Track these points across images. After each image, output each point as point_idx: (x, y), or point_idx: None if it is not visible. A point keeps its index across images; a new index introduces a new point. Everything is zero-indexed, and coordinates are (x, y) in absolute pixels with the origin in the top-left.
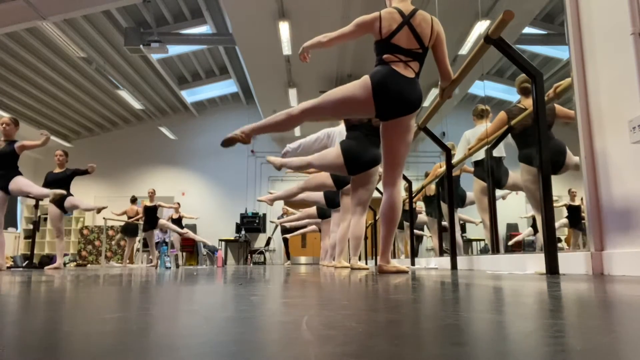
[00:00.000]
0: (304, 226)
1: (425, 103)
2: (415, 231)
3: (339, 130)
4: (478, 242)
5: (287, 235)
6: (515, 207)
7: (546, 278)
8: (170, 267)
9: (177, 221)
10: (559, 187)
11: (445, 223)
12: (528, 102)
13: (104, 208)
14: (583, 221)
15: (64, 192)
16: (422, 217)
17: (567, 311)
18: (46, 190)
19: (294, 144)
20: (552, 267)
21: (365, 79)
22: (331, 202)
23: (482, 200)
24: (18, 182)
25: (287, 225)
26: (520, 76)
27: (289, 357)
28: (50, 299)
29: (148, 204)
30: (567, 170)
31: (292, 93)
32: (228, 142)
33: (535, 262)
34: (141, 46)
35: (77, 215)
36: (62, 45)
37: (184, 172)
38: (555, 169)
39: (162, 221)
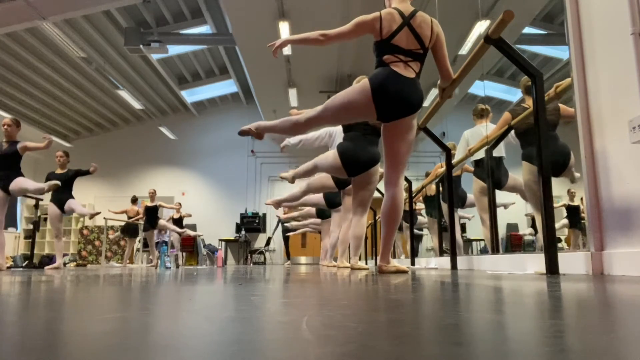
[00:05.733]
0: (306, 225)
1: (425, 103)
2: (415, 231)
3: (341, 130)
4: (478, 242)
5: (289, 234)
6: (515, 207)
7: (546, 278)
8: (170, 267)
9: (178, 221)
10: (559, 188)
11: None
12: (532, 102)
13: (97, 214)
14: (583, 221)
15: (58, 183)
16: (421, 219)
17: (567, 311)
18: (41, 185)
19: (294, 139)
20: (552, 267)
21: (364, 82)
22: (331, 203)
23: (481, 200)
24: (17, 181)
25: (289, 225)
26: (525, 77)
27: (289, 357)
28: (50, 299)
29: (149, 204)
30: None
31: (292, 93)
32: (243, 133)
33: (535, 262)
34: (141, 46)
35: (77, 215)
36: (62, 45)
37: (184, 172)
38: (560, 169)
39: (161, 222)
